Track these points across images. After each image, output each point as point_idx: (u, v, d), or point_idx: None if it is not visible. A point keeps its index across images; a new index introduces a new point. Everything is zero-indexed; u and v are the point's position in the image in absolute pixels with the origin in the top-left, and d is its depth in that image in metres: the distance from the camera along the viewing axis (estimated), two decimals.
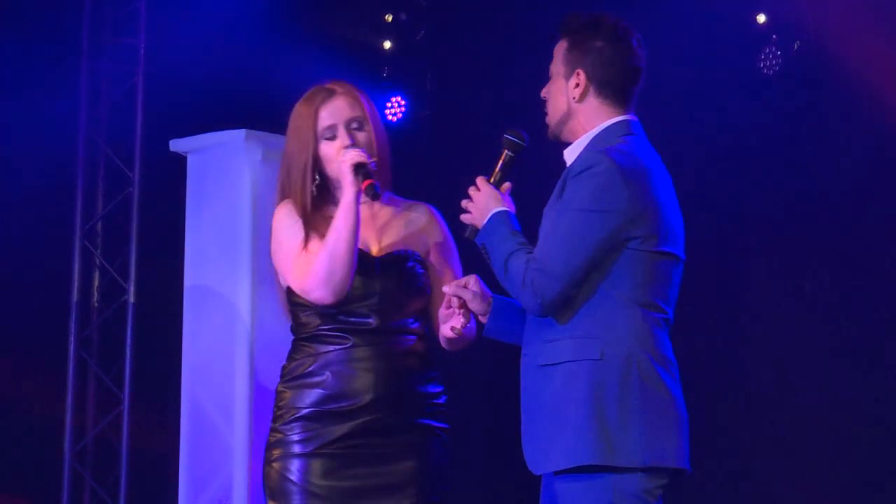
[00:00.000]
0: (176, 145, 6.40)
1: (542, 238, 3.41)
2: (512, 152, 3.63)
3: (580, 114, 3.54)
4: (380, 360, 3.88)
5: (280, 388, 3.94)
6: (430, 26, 7.16)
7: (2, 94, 7.00)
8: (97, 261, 7.29)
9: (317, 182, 3.97)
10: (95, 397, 7.26)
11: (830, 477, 5.98)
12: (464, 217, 3.58)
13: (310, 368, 3.88)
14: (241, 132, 6.06)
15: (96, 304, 7.30)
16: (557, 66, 3.57)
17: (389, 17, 7.11)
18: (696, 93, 6.25)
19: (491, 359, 6.53)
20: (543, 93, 3.63)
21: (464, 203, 3.58)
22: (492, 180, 3.61)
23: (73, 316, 7.15)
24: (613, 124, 3.52)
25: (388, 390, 3.88)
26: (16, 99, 7.00)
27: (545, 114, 3.62)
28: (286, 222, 3.94)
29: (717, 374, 6.09)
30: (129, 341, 7.17)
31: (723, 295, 6.13)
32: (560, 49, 3.58)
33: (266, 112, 6.59)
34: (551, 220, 3.41)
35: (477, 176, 3.61)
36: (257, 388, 5.90)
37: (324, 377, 3.86)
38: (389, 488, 3.86)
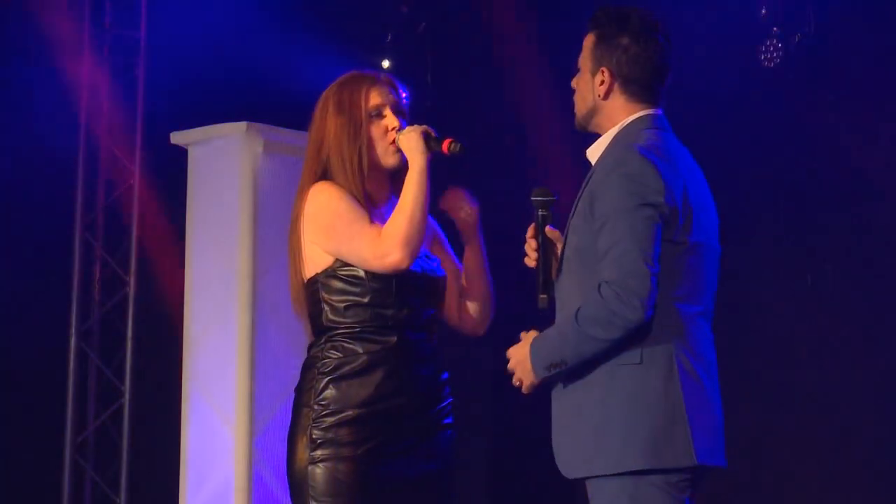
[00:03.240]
0: (177, 137, 6.40)
1: (607, 247, 3.31)
2: (545, 210, 3.59)
3: (606, 109, 3.54)
4: (419, 359, 3.91)
5: (321, 385, 3.86)
6: (431, 19, 7.15)
7: (3, 88, 7.01)
8: (98, 253, 7.30)
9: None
10: (96, 390, 7.27)
11: (832, 472, 5.98)
12: (525, 389, 3.49)
13: (360, 367, 3.84)
14: (243, 124, 6.06)
15: (97, 297, 7.31)
16: (585, 61, 3.57)
17: (390, 10, 7.10)
18: (696, 85, 6.24)
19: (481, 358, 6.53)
20: (574, 83, 3.61)
21: (515, 380, 3.50)
22: (539, 239, 3.57)
23: (74, 308, 7.16)
24: (636, 119, 3.51)
25: (426, 389, 3.91)
26: (16, 91, 7.01)
27: (573, 103, 3.61)
28: (338, 195, 3.88)
29: (719, 369, 6.08)
30: (129, 334, 7.18)
31: (724, 288, 6.12)
32: (588, 43, 3.57)
33: (267, 104, 6.60)
34: (605, 231, 3.33)
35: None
36: (258, 381, 5.91)
37: (374, 376, 3.84)
38: (426, 484, 3.89)
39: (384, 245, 3.81)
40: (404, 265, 3.83)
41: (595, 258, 3.36)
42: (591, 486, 3.41)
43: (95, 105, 7.27)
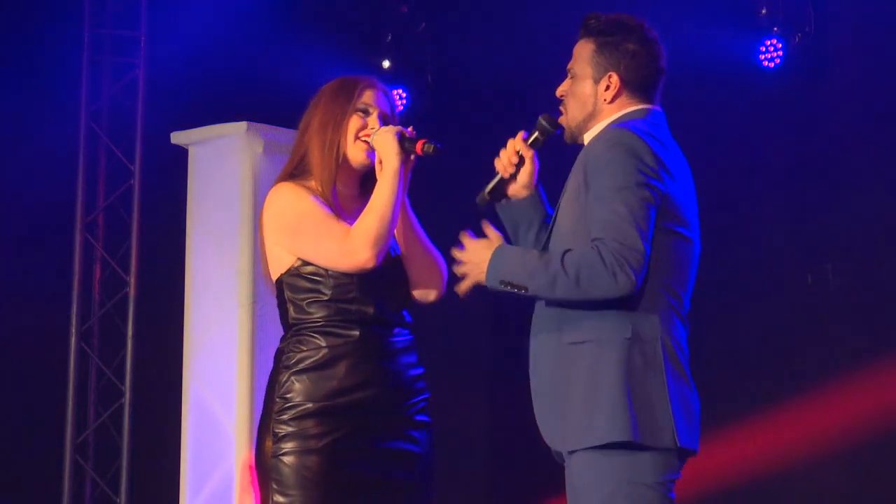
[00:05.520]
0: (177, 138, 6.41)
1: (601, 219, 3.33)
2: (543, 136, 3.63)
3: (606, 110, 3.56)
4: (386, 354, 3.90)
5: (284, 379, 3.87)
6: (431, 18, 7.16)
7: (3, 88, 7.01)
8: (98, 253, 7.30)
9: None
10: (97, 389, 7.27)
11: (832, 471, 5.99)
12: (464, 287, 3.53)
13: (321, 360, 3.85)
14: (243, 124, 6.06)
15: (97, 297, 7.31)
16: (583, 68, 3.57)
17: (390, 10, 7.10)
18: (696, 85, 6.24)
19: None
20: (560, 91, 3.62)
21: (459, 271, 3.53)
22: (529, 142, 3.61)
23: (75, 308, 7.16)
24: (633, 111, 3.54)
25: (394, 384, 3.89)
26: (17, 92, 7.01)
27: (560, 112, 3.61)
28: (301, 194, 3.89)
29: (718, 367, 6.09)
30: (130, 334, 7.18)
31: (725, 288, 6.13)
32: (586, 50, 3.57)
33: (267, 104, 6.60)
34: (599, 205, 3.34)
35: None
36: (258, 381, 5.91)
37: (336, 370, 3.84)
38: (397, 480, 3.87)
39: (352, 243, 3.81)
40: (371, 265, 3.82)
41: (585, 232, 3.37)
42: (576, 460, 3.41)
43: (96, 105, 7.27)
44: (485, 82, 6.96)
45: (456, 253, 3.54)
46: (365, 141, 3.93)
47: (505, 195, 3.68)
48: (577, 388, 3.38)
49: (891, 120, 5.93)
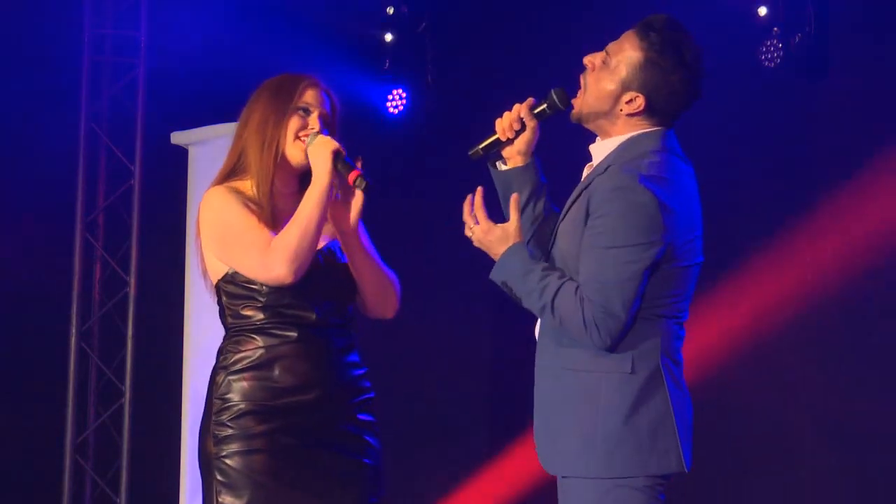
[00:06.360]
0: (177, 137, 6.41)
1: (590, 274, 3.31)
2: (551, 111, 3.57)
3: (620, 122, 3.46)
4: (325, 355, 3.87)
5: (221, 380, 3.88)
6: (431, 19, 7.16)
7: (3, 88, 7.02)
8: (98, 253, 7.30)
9: None
10: (97, 389, 7.28)
11: (831, 473, 5.99)
12: (470, 236, 3.54)
13: (258, 361, 3.84)
14: None
15: (97, 297, 7.32)
16: (620, 66, 3.45)
17: (391, 10, 7.10)
18: None
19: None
20: (589, 61, 3.49)
21: (470, 237, 3.53)
22: (535, 111, 3.57)
23: (75, 308, 7.17)
24: (647, 134, 3.45)
25: (334, 384, 3.87)
26: (17, 92, 7.01)
27: (579, 87, 3.51)
28: (229, 201, 3.86)
29: (716, 367, 6.09)
30: (129, 334, 7.18)
31: (724, 288, 6.13)
32: (633, 54, 3.45)
33: None
34: (592, 256, 3.32)
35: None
36: None
37: (273, 370, 3.83)
38: (341, 481, 3.85)
39: (271, 258, 3.78)
40: (289, 280, 3.78)
41: (576, 265, 3.37)
42: (569, 483, 3.40)
43: (96, 105, 7.28)
44: (484, 82, 6.96)
45: (469, 221, 3.51)
46: (304, 141, 3.90)
47: (499, 156, 3.64)
48: (573, 417, 3.36)
49: (891, 120, 5.93)
